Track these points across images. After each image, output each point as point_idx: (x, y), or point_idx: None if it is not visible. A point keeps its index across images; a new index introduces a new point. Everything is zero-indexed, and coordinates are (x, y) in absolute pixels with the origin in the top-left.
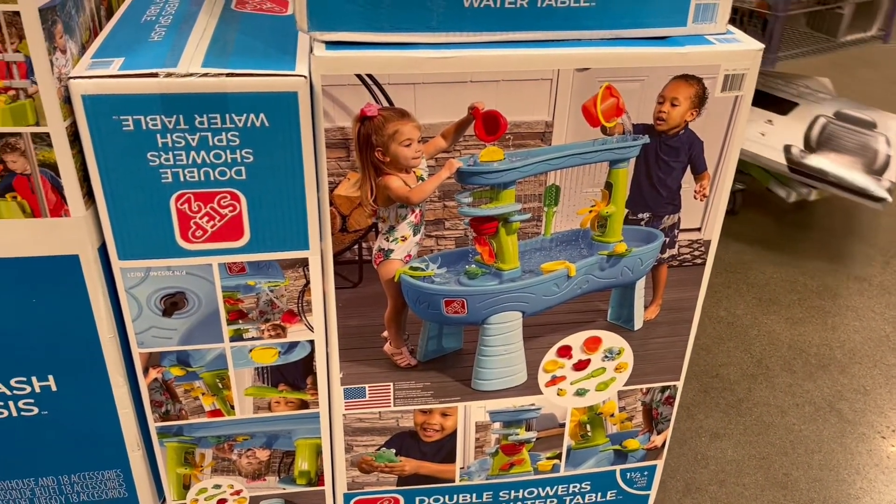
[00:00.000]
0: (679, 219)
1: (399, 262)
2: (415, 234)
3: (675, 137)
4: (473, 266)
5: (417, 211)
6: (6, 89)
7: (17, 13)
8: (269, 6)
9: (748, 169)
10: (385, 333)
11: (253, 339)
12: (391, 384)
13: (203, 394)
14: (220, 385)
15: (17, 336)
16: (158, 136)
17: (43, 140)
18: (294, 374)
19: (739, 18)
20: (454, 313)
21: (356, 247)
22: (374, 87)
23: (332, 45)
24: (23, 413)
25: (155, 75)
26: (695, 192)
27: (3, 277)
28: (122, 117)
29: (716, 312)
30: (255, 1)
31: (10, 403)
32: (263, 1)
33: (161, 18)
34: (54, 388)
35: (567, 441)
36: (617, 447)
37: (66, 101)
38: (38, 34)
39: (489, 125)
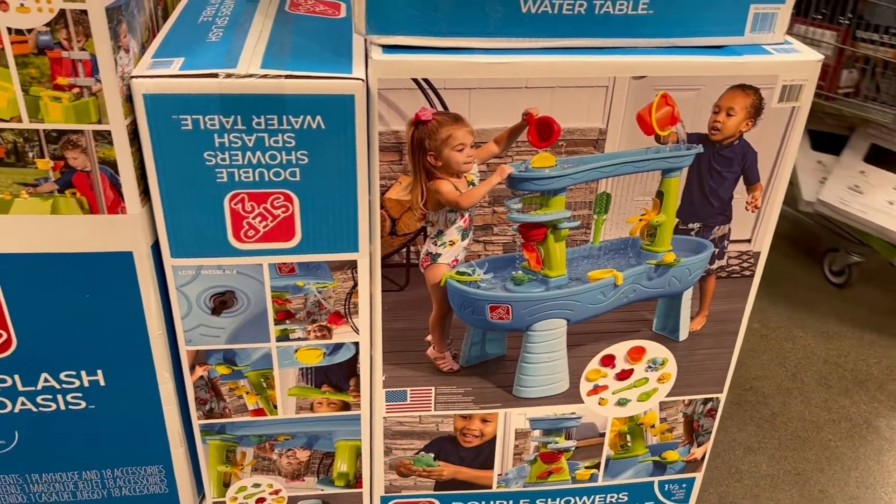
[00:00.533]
0: (729, 230)
1: (446, 267)
2: (463, 239)
3: (730, 147)
4: (520, 272)
5: (467, 216)
6: (71, 87)
7: (84, 12)
8: (322, 9)
9: (868, 240)
10: (429, 337)
11: (299, 339)
12: (433, 388)
13: (247, 392)
14: (264, 384)
15: (70, 330)
16: (216, 135)
17: (104, 138)
18: (338, 376)
19: (871, 69)
20: (499, 319)
21: (404, 250)
22: (430, 92)
23: (388, 48)
24: (70, 407)
25: (215, 76)
26: (746, 203)
27: (59, 272)
28: (181, 116)
29: (749, 324)
30: (308, 3)
31: (59, 397)
32: (316, 3)
33: (217, 19)
34: (102, 383)
35: (606, 451)
36: (656, 458)
37: (128, 99)
38: (104, 33)
39: (542, 131)
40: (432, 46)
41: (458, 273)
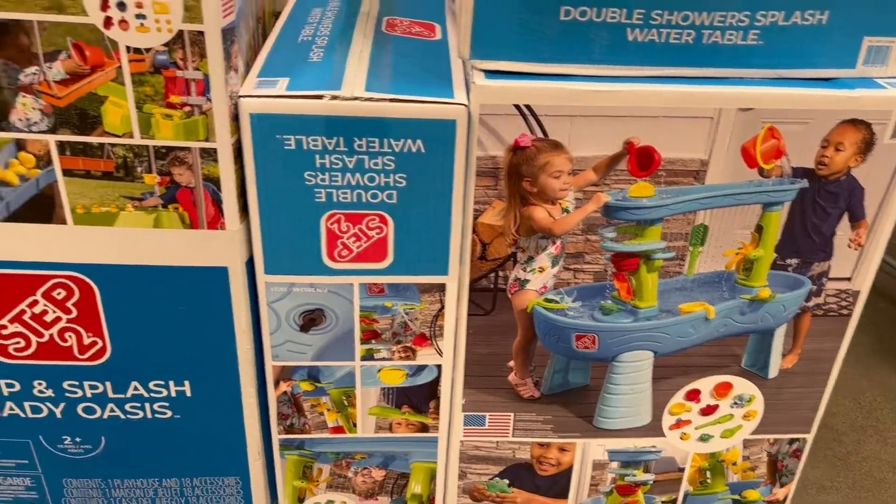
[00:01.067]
0: (829, 267)
1: (534, 293)
2: (553, 266)
3: (836, 183)
4: (609, 302)
5: (558, 243)
6: (183, 105)
7: (201, 33)
8: (418, 30)
9: None
10: (511, 363)
11: (383, 359)
12: (512, 415)
13: (328, 410)
14: (345, 402)
15: (162, 341)
16: (317, 156)
17: (210, 155)
18: (418, 397)
19: None
20: (584, 348)
21: (492, 275)
22: (531, 118)
23: (489, 73)
24: (157, 416)
25: (320, 97)
26: (849, 240)
27: (157, 284)
28: (285, 136)
29: None
30: (404, 25)
31: (147, 405)
32: (412, 25)
33: (317, 39)
34: (189, 394)
35: (685, 486)
36: (736, 497)
37: (233, 118)
38: (219, 54)
39: (643, 161)
40: (535, 72)
41: (546, 300)
